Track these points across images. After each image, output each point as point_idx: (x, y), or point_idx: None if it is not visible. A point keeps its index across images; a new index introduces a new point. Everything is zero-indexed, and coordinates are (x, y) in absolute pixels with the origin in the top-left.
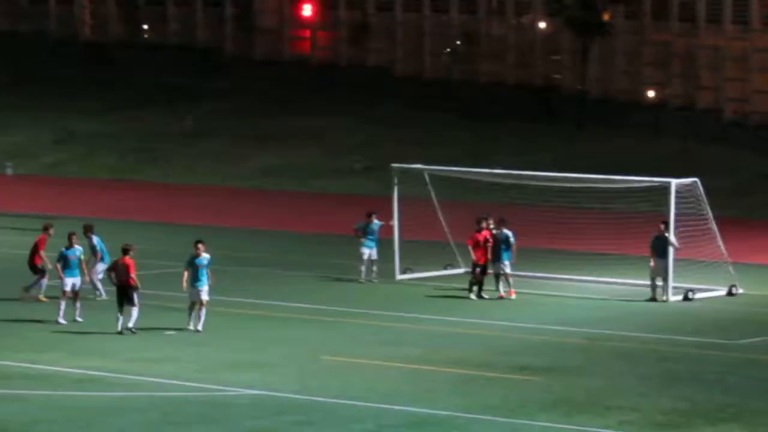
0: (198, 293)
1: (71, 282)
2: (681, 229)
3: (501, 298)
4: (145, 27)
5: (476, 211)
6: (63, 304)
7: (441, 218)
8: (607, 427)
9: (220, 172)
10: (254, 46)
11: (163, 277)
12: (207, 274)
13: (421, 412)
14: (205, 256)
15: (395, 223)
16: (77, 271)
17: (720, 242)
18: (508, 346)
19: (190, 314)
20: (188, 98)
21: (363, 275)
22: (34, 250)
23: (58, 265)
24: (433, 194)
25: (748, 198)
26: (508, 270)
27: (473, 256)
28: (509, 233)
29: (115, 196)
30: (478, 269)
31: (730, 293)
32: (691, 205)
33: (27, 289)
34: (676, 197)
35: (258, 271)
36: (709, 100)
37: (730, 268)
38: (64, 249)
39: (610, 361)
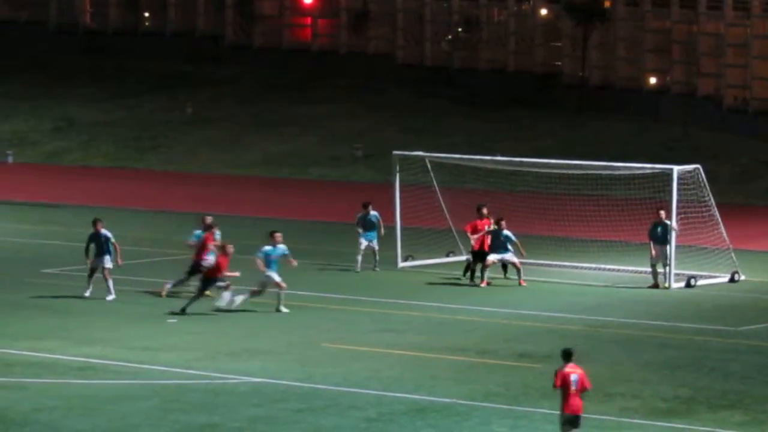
0: (272, 278)
1: (99, 261)
2: (683, 215)
3: (488, 284)
4: (146, 14)
5: (477, 199)
6: (110, 281)
7: (442, 205)
8: (608, 414)
9: (220, 160)
10: (254, 33)
11: (165, 264)
12: (278, 262)
13: (422, 400)
14: (281, 247)
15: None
16: (104, 252)
17: (722, 229)
18: (510, 333)
19: (249, 297)
20: (189, 86)
21: (359, 265)
22: (202, 248)
23: (90, 248)
24: (434, 181)
25: (749, 184)
26: (515, 259)
27: (471, 242)
28: (509, 233)
29: (115, 184)
30: (475, 257)
31: (732, 280)
32: (693, 191)
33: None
34: (678, 184)
35: None
36: (710, 87)
37: (732, 255)
38: (93, 233)
39: (612, 349)
